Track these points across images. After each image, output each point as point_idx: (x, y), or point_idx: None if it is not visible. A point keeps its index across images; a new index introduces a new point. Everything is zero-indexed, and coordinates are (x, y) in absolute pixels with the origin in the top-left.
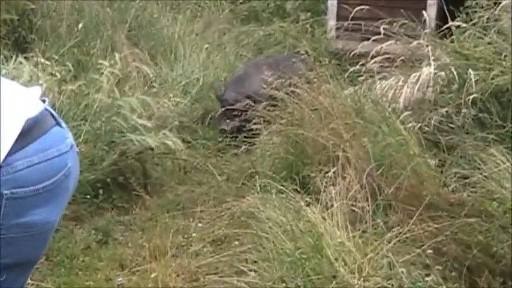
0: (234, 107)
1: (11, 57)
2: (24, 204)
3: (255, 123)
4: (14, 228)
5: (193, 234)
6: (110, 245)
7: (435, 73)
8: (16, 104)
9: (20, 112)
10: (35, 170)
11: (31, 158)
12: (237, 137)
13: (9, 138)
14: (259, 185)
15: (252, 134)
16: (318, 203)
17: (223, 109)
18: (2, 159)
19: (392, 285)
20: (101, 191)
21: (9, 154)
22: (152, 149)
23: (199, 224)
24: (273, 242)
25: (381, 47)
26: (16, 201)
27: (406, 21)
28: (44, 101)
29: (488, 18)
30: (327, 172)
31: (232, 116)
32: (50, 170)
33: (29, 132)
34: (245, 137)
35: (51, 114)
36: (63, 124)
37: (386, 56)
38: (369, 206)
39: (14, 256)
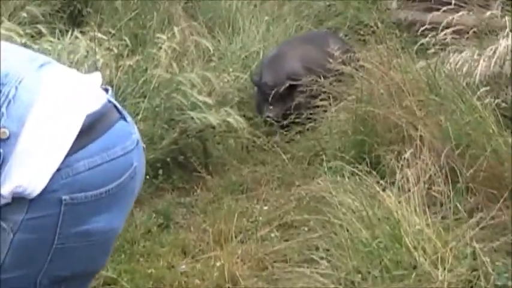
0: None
1: (67, 31)
2: (85, 210)
3: (321, 99)
4: (73, 237)
5: (259, 218)
6: (172, 229)
7: None
8: (76, 96)
9: (80, 106)
10: (98, 171)
11: (93, 159)
12: (298, 116)
13: (69, 136)
14: (329, 167)
15: (318, 111)
16: (393, 186)
17: (263, 95)
18: (61, 160)
19: (478, 276)
20: (160, 171)
21: (68, 154)
22: (213, 127)
23: (265, 207)
24: (347, 230)
25: (453, 18)
26: (76, 207)
27: None
28: (106, 90)
29: None
30: (399, 152)
31: (276, 101)
32: (114, 172)
33: (91, 129)
34: (311, 113)
35: (115, 106)
36: (128, 117)
37: (458, 27)
38: (448, 189)
39: (72, 268)
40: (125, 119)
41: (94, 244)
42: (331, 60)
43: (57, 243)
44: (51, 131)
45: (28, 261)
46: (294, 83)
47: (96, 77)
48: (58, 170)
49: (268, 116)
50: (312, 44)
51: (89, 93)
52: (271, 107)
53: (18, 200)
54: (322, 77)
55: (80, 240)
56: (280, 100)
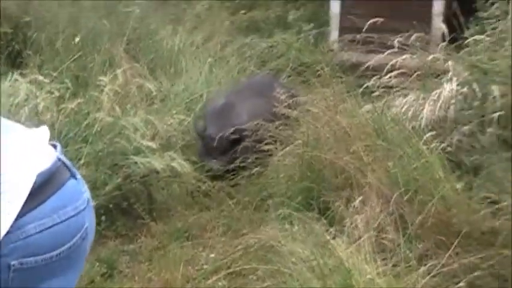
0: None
1: (6, 73)
2: (35, 275)
3: (267, 144)
4: None
5: (206, 267)
6: (116, 278)
7: (457, 90)
8: (26, 154)
9: (30, 164)
10: (49, 234)
11: (44, 220)
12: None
13: (19, 198)
14: (277, 214)
15: (264, 155)
16: (343, 234)
17: (207, 146)
18: (11, 223)
19: None
20: (103, 218)
21: (18, 216)
22: (158, 172)
23: (212, 255)
24: (297, 280)
25: (396, 61)
26: (26, 272)
27: (421, 34)
28: (54, 147)
29: (501, 30)
30: (348, 199)
31: (220, 153)
32: (65, 233)
33: (42, 189)
34: (256, 158)
35: (65, 164)
36: (78, 175)
37: (402, 70)
38: (398, 236)
39: None
40: (74, 176)
41: None
42: (277, 105)
43: None
44: (0, 192)
45: None
46: (237, 136)
47: (44, 132)
48: (7, 233)
49: (210, 170)
50: (258, 93)
51: (38, 150)
52: (214, 160)
53: None
54: (268, 122)
55: None
56: (225, 153)
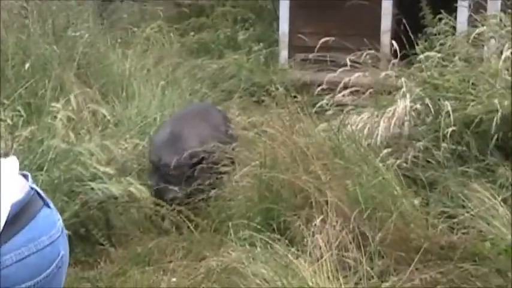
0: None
1: None
2: None
3: (224, 165)
4: None
5: None
6: None
7: (411, 106)
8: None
9: (4, 195)
10: (25, 264)
11: (20, 250)
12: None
13: None
14: (237, 236)
15: (221, 177)
16: (305, 254)
17: (164, 176)
18: None
19: None
20: None
21: None
22: (115, 197)
23: (173, 279)
24: None
25: (349, 79)
26: None
27: (371, 51)
28: (25, 177)
29: (450, 46)
30: (308, 218)
31: (179, 182)
32: (41, 263)
33: (16, 220)
34: (214, 180)
35: (38, 192)
36: (51, 204)
37: (355, 88)
38: (360, 254)
39: None
40: (48, 205)
41: None
42: (232, 126)
43: None
44: None
45: None
46: (195, 160)
47: (14, 162)
48: None
49: (173, 199)
50: (201, 119)
51: (11, 180)
52: (175, 188)
53: None
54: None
55: None
56: (184, 181)
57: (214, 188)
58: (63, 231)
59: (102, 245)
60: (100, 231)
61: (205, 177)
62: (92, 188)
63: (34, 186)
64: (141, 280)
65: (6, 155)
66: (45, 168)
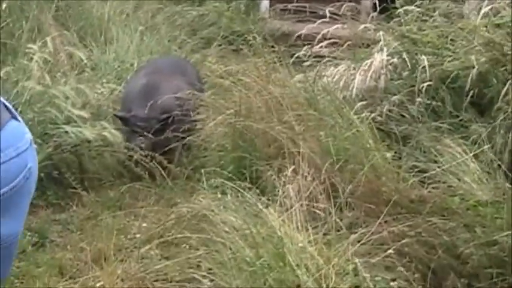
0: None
1: None
2: None
3: (198, 113)
4: None
5: (138, 236)
6: (47, 248)
7: (387, 60)
8: None
9: None
10: None
11: None
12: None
13: None
14: (208, 184)
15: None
16: (275, 203)
17: (133, 127)
18: None
19: None
20: None
21: None
22: (89, 141)
23: (144, 224)
24: (230, 249)
25: (328, 31)
26: None
27: (352, 4)
28: None
29: (430, 1)
30: (280, 168)
31: (147, 132)
32: (8, 174)
33: None
34: (188, 128)
35: (5, 105)
36: (19, 117)
37: (333, 40)
38: (329, 205)
39: None
40: (16, 118)
41: None
42: (209, 74)
43: None
44: None
45: None
46: (167, 116)
47: None
48: None
49: (140, 148)
50: (178, 74)
51: None
52: (142, 139)
53: None
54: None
55: None
56: (153, 132)
57: (188, 136)
58: (31, 144)
59: (75, 188)
60: (73, 174)
61: (178, 125)
62: (66, 132)
63: (2, 98)
64: (112, 224)
65: None
66: (19, 110)
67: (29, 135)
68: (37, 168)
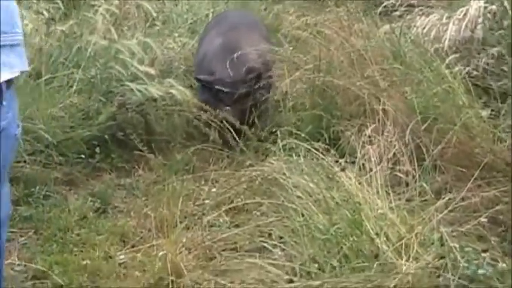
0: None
1: None
2: None
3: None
4: None
5: (207, 202)
6: (110, 214)
7: (485, 7)
8: None
9: None
10: None
11: None
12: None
13: None
14: (283, 145)
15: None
16: (353, 166)
17: (217, 93)
18: None
19: (445, 265)
20: (97, 150)
21: None
22: (155, 99)
23: (213, 189)
24: (302, 215)
25: None
26: None
27: None
28: None
29: None
30: (361, 128)
31: (234, 101)
32: None
33: None
34: (263, 85)
35: None
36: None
37: None
38: (413, 168)
39: None
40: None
41: None
42: (287, 25)
43: None
44: None
45: None
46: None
47: None
48: None
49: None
50: (254, 31)
51: None
52: (228, 108)
53: None
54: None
55: None
56: (239, 100)
57: (264, 94)
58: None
59: (141, 150)
60: (139, 136)
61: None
62: (131, 89)
63: None
64: (179, 189)
65: (40, 50)
66: (81, 65)
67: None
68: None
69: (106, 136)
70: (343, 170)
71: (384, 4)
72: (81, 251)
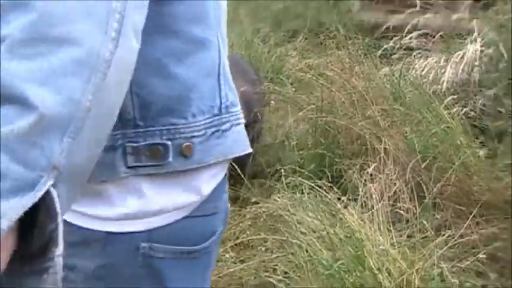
0: None
1: None
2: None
3: (278, 108)
4: None
5: None
6: None
7: (481, 51)
8: None
9: None
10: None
11: None
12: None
13: None
14: (287, 182)
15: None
16: (355, 203)
17: None
18: None
19: None
20: None
21: None
22: None
23: None
24: (307, 251)
25: (418, 21)
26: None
27: None
28: None
29: None
30: (362, 166)
31: None
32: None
33: None
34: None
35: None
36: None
37: (424, 30)
38: (414, 206)
39: None
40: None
41: None
42: (290, 67)
43: None
44: None
45: None
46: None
47: None
48: None
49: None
50: (239, 75)
51: None
52: None
53: None
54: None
55: None
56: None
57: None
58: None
59: None
60: None
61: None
62: None
63: None
64: None
65: None
66: None
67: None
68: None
69: None
70: (345, 207)
71: (383, 47)
72: None
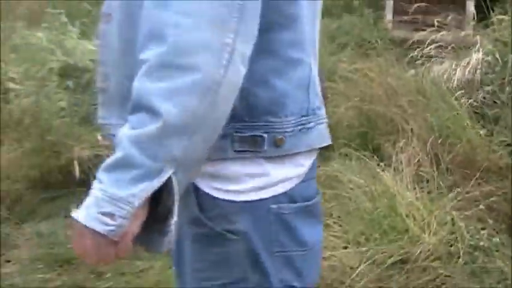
0: None
1: None
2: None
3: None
4: None
5: None
6: None
7: (482, 58)
8: None
9: None
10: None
11: None
12: None
13: None
14: (339, 153)
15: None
16: (390, 168)
17: None
18: None
19: (456, 238)
20: None
21: None
22: None
23: None
24: (355, 201)
25: (435, 36)
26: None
27: (455, 15)
28: None
29: None
30: (395, 141)
31: None
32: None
33: None
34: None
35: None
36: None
37: (440, 43)
38: (432, 170)
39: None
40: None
41: None
42: (342, 69)
43: None
44: None
45: None
46: None
47: None
48: None
49: None
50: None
51: None
52: None
53: None
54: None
55: None
56: None
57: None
58: None
59: None
60: None
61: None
62: None
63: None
64: None
65: None
66: None
67: None
68: None
69: None
70: (382, 170)
71: (410, 55)
72: None
